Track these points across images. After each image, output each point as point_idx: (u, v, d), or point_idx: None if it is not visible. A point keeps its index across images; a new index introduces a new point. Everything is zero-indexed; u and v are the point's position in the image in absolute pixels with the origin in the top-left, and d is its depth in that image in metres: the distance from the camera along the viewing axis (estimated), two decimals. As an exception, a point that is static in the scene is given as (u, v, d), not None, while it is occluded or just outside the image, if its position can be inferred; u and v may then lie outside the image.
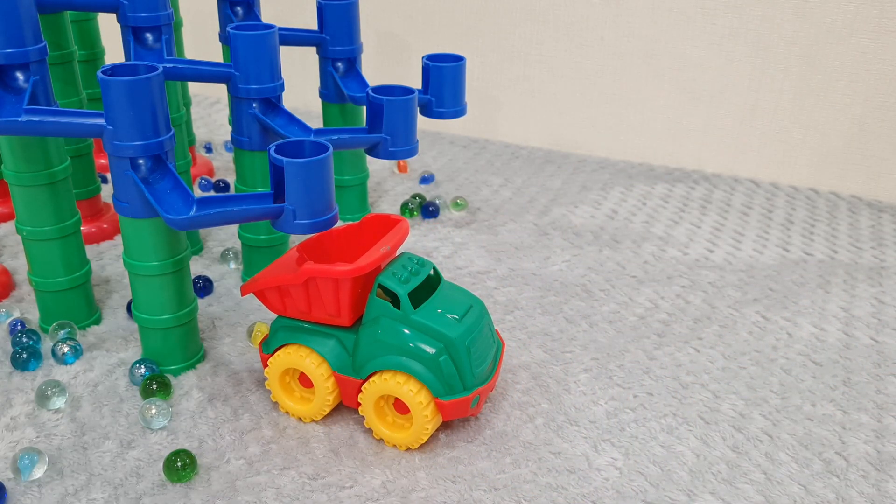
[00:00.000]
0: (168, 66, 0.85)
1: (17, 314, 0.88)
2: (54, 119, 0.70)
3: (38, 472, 0.67)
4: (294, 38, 1.02)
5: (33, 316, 0.89)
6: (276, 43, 0.84)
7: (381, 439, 0.72)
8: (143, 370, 0.78)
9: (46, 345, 0.84)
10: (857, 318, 0.92)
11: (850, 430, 0.75)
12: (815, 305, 0.94)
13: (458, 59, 0.99)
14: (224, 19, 1.05)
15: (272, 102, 0.86)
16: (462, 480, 0.68)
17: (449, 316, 0.70)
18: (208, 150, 1.38)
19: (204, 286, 0.94)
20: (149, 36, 0.89)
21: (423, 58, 0.99)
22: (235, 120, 0.87)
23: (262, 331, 0.85)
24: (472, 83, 1.44)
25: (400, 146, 0.88)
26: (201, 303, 0.93)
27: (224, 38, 1.08)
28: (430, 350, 0.68)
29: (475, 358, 0.70)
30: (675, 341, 0.87)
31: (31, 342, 0.82)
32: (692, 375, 0.82)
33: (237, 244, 1.05)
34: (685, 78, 1.30)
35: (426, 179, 1.26)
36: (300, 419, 0.75)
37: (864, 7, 1.16)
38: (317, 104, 1.48)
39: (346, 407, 0.76)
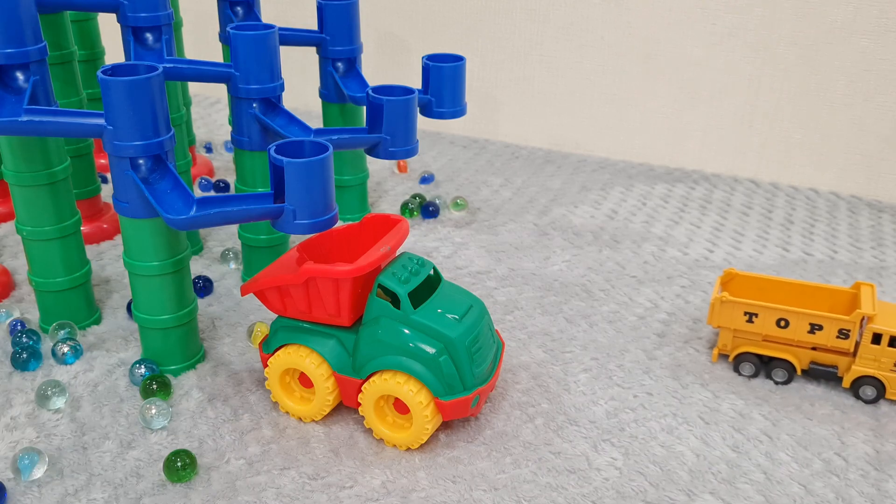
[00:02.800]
0: (168, 66, 0.85)
1: (17, 314, 0.88)
2: (54, 119, 0.70)
3: (38, 472, 0.67)
4: (294, 38, 1.02)
5: (33, 316, 0.89)
6: (276, 43, 0.84)
7: (381, 439, 0.72)
8: (143, 370, 0.78)
9: (46, 345, 0.84)
10: (857, 318, 0.92)
11: (849, 430, 0.75)
12: (815, 305, 0.94)
13: (458, 59, 0.99)
14: (224, 19, 1.05)
15: (272, 102, 0.86)
16: (462, 480, 0.68)
17: (449, 316, 0.70)
18: (208, 150, 1.38)
19: (204, 286, 0.94)
20: (149, 36, 0.89)
21: (423, 58, 0.99)
22: (235, 120, 0.87)
23: (262, 331, 0.85)
24: (472, 83, 1.44)
25: (400, 146, 0.88)
26: (201, 303, 0.93)
27: (224, 38, 1.08)
28: (430, 350, 0.68)
29: (475, 358, 0.70)
30: (675, 341, 0.87)
31: (31, 342, 0.82)
32: (692, 375, 0.82)
33: (237, 244, 1.05)
34: (685, 78, 1.30)
35: (426, 179, 1.26)
36: (300, 419, 0.75)
37: (864, 7, 1.16)
38: (317, 104, 1.47)
39: (346, 407, 0.76)
